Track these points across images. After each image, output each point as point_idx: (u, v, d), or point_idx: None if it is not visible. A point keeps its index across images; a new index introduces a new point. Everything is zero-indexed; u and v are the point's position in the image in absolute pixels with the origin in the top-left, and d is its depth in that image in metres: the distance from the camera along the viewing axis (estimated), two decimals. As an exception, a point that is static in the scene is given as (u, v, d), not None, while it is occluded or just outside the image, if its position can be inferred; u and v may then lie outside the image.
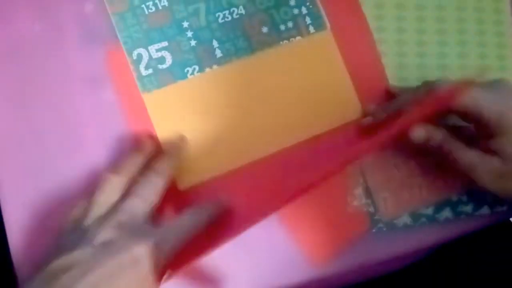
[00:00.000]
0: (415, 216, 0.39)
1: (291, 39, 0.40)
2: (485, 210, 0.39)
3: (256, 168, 0.38)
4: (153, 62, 0.38)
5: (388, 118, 0.36)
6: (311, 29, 0.40)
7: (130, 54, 0.38)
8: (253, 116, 0.39)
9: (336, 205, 0.38)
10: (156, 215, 0.34)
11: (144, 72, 0.38)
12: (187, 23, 0.39)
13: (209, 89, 0.39)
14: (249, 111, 0.39)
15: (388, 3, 0.40)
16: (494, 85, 0.34)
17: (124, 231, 0.30)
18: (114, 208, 0.32)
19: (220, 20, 0.39)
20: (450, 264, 0.46)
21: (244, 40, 0.39)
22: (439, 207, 0.39)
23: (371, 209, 0.38)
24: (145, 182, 0.33)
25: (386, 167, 0.39)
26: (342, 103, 0.40)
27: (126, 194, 0.33)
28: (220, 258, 0.37)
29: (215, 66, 0.39)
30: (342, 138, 0.39)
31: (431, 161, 0.39)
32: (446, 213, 0.39)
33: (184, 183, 0.38)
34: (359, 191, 0.39)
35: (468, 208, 0.39)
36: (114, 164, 0.36)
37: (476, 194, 0.39)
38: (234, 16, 0.39)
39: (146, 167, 0.35)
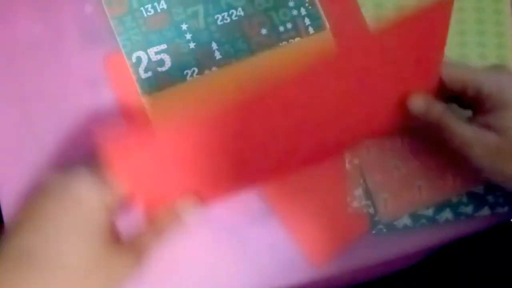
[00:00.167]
0: (415, 217, 0.38)
1: (290, 40, 0.40)
2: (485, 211, 0.39)
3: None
4: (152, 65, 0.39)
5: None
6: (311, 30, 0.40)
7: (130, 57, 0.39)
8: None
9: (336, 206, 0.38)
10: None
11: (143, 75, 0.38)
12: (186, 25, 0.39)
13: (209, 91, 0.39)
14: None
15: (387, 4, 0.40)
16: (495, 66, 0.35)
17: (66, 176, 0.29)
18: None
19: (219, 22, 0.39)
20: (450, 265, 0.46)
21: (243, 41, 0.39)
22: (439, 208, 0.39)
23: (371, 210, 0.38)
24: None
25: (386, 168, 0.39)
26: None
27: None
28: (221, 258, 0.38)
29: (214, 68, 0.39)
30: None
31: (431, 162, 0.39)
32: (446, 214, 0.39)
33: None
34: (359, 192, 0.39)
35: (469, 209, 0.39)
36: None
37: (477, 195, 0.39)
38: (233, 18, 0.39)
39: None
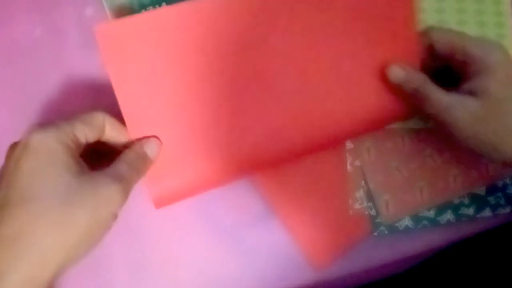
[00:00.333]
0: (417, 219, 0.38)
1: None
2: (487, 212, 0.39)
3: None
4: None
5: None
6: None
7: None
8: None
9: (337, 207, 0.38)
10: None
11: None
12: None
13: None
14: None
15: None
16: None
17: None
18: None
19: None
20: (452, 266, 0.46)
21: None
22: (440, 210, 0.39)
23: (373, 212, 0.38)
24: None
25: (387, 169, 0.39)
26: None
27: None
28: (221, 259, 0.38)
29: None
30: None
31: (432, 164, 0.39)
32: (448, 215, 0.39)
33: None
34: (360, 194, 0.39)
35: (470, 210, 0.39)
36: None
37: (478, 196, 0.39)
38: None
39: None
